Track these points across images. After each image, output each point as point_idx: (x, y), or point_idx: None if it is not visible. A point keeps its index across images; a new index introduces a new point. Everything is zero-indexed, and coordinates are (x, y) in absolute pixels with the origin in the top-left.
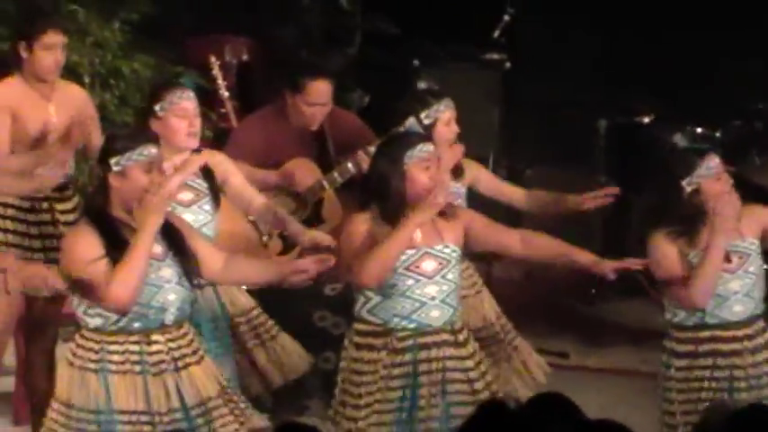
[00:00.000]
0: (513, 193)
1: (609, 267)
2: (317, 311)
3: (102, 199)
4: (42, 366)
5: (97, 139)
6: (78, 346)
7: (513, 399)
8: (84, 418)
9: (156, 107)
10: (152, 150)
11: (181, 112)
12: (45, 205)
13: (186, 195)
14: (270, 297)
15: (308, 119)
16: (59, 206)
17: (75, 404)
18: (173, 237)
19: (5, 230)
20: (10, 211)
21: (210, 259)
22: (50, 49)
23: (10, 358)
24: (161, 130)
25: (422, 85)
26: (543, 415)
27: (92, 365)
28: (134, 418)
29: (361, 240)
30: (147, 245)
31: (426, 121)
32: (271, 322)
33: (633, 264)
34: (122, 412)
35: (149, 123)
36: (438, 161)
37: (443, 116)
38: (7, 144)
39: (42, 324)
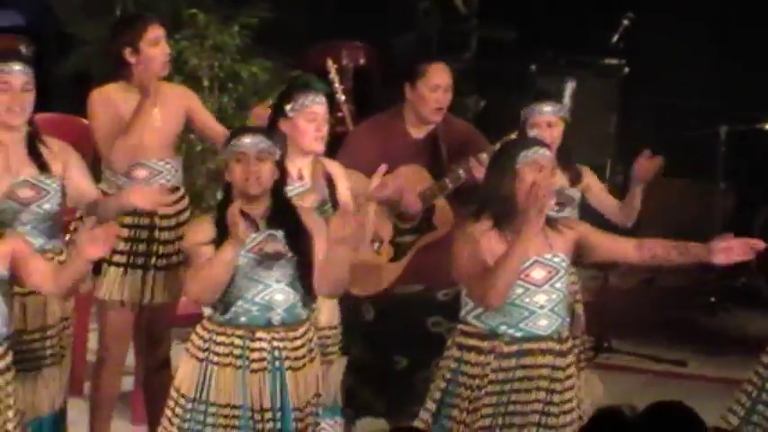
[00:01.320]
0: (609, 206)
1: (735, 244)
2: (430, 317)
3: (227, 188)
4: (158, 369)
5: (216, 128)
6: (195, 333)
7: (628, 406)
8: (190, 408)
9: (287, 107)
10: (245, 140)
11: (311, 116)
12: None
13: (308, 200)
14: (384, 303)
15: (430, 107)
16: (160, 210)
17: (185, 392)
18: (299, 238)
19: None
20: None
21: None
22: (157, 44)
23: (129, 358)
24: (289, 130)
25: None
26: (662, 424)
27: (199, 354)
28: (227, 411)
29: (476, 259)
30: (225, 255)
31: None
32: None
33: (758, 244)
34: (216, 405)
35: (278, 123)
36: (552, 169)
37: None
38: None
39: (156, 327)
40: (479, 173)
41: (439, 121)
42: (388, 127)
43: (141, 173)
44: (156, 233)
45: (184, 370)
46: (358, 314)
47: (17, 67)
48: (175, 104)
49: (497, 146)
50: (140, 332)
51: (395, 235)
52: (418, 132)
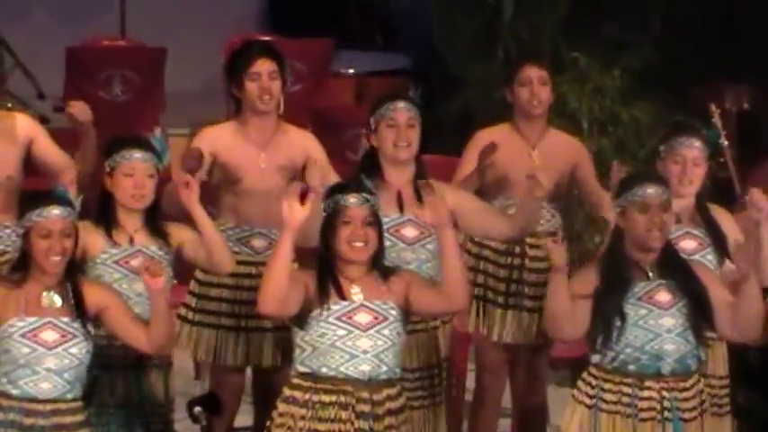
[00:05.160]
0: None
1: None
2: None
3: (616, 236)
4: (534, 411)
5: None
6: (582, 379)
7: None
8: None
9: (661, 148)
10: (649, 191)
11: (678, 158)
12: (518, 249)
13: (689, 244)
14: None
15: None
16: (531, 252)
17: None
18: (690, 287)
19: (484, 273)
20: (486, 252)
21: None
22: (525, 85)
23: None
24: (661, 170)
25: None
26: None
27: (587, 400)
28: None
29: None
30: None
31: None
32: None
33: None
34: None
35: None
36: None
37: None
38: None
39: (533, 367)
40: None
41: None
42: None
43: None
44: (524, 274)
45: (572, 415)
46: (745, 361)
47: (401, 104)
48: (560, 152)
49: None
50: (519, 373)
51: None
52: None
